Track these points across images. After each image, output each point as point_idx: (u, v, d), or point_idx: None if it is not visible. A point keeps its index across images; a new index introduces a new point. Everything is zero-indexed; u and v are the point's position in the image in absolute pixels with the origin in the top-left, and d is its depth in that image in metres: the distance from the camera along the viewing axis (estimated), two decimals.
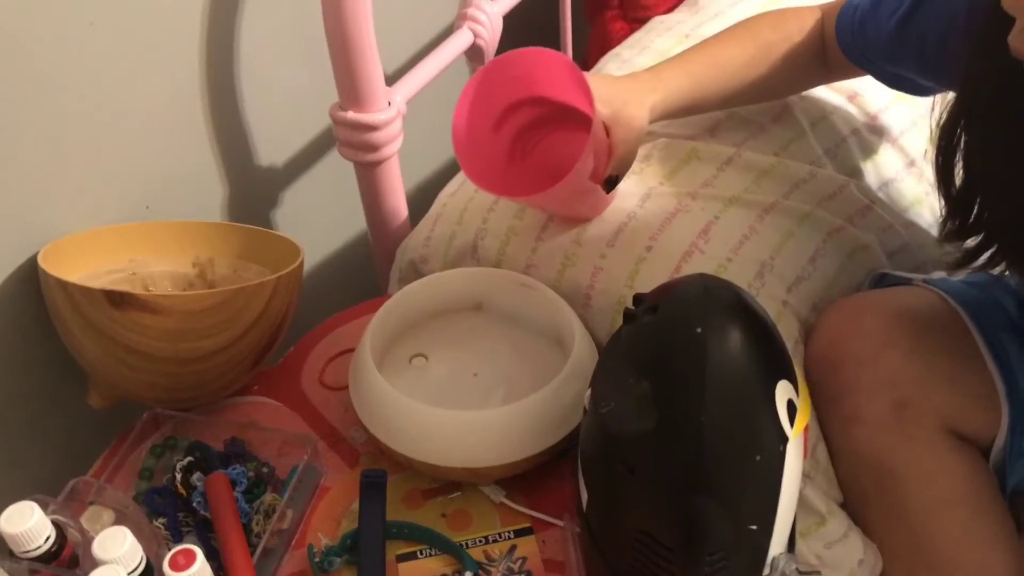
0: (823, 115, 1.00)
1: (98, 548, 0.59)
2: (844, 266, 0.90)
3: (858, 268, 0.90)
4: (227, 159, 0.98)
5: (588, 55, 1.38)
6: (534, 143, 0.88)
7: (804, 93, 1.01)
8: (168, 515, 0.73)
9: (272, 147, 1.04)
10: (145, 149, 0.88)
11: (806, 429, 0.60)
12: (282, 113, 1.03)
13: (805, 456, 0.60)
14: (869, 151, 1.00)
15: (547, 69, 0.79)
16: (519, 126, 0.86)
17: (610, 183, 0.81)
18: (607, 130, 0.79)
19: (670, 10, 1.21)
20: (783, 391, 0.57)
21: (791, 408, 0.57)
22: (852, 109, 1.02)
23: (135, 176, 0.88)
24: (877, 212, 0.92)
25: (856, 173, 0.98)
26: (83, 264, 0.82)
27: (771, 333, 0.58)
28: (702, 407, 0.54)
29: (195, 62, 0.90)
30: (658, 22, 1.15)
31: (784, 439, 0.57)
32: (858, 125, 1.01)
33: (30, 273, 0.78)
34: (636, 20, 1.29)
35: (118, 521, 0.71)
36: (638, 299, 0.61)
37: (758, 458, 0.56)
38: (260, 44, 0.96)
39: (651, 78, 0.84)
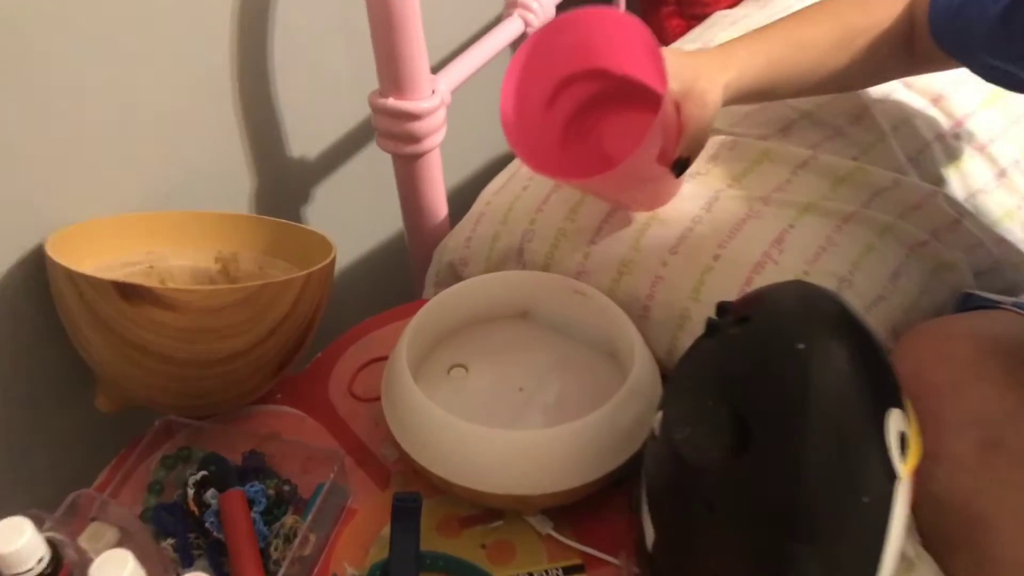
0: (905, 118, 0.92)
1: (96, 573, 0.52)
2: (927, 285, 0.81)
3: (942, 288, 0.82)
4: (256, 148, 0.91)
5: None
6: (589, 125, 0.79)
7: (883, 95, 0.93)
8: (177, 535, 0.65)
9: (305, 137, 0.97)
10: (168, 133, 0.81)
11: (916, 468, 0.51)
12: (317, 101, 0.96)
13: (913, 499, 0.52)
14: (954, 159, 0.92)
15: (609, 36, 0.71)
16: (574, 104, 0.77)
17: (680, 166, 0.72)
18: (676, 106, 0.71)
19: (731, 6, 1.14)
20: (895, 422, 0.48)
21: (902, 442, 0.49)
22: (936, 113, 0.93)
23: (156, 162, 0.81)
24: (966, 227, 0.84)
25: (940, 183, 0.90)
26: (96, 255, 0.75)
27: (881, 353, 0.50)
28: (803, 437, 0.46)
29: (225, 44, 0.84)
30: (722, 16, 1.07)
31: (894, 478, 0.48)
32: (942, 130, 0.92)
33: (36, 262, 0.71)
34: (693, 17, 1.22)
35: (122, 541, 0.63)
36: (723, 308, 0.53)
37: (865, 500, 0.47)
38: (295, 25, 0.90)
39: (724, 55, 0.76)
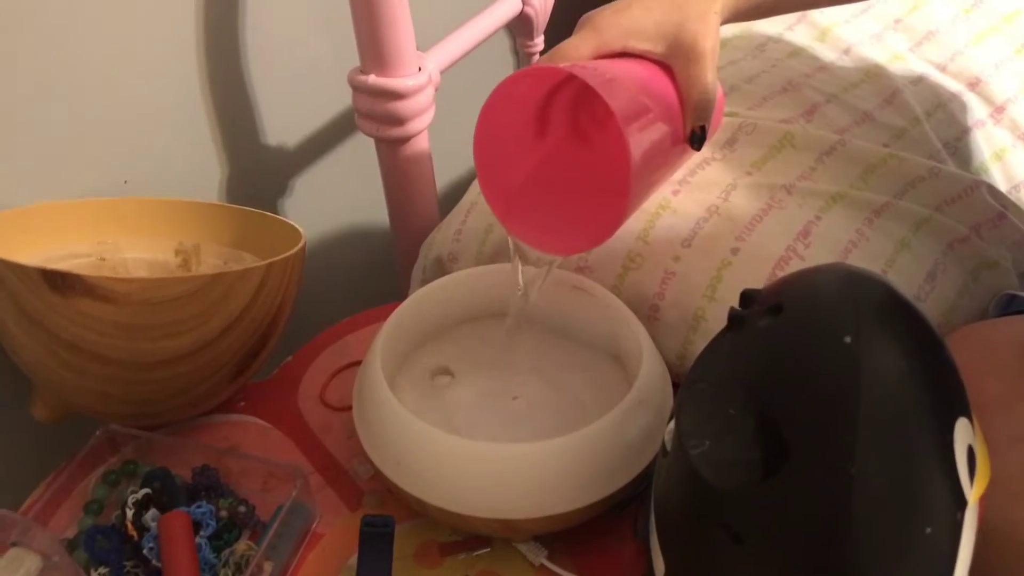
0: (939, 103, 0.84)
1: None
2: (967, 286, 0.73)
3: (983, 290, 0.74)
4: (227, 134, 0.83)
5: None
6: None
7: (916, 78, 0.85)
8: (111, 563, 0.56)
9: (283, 124, 0.88)
10: (128, 113, 0.73)
11: (984, 493, 0.42)
12: (297, 86, 0.88)
13: (979, 528, 0.43)
14: (994, 148, 0.84)
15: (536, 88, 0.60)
16: (570, 102, 0.64)
17: (697, 139, 0.61)
18: (669, 70, 0.61)
19: None
20: (962, 434, 0.39)
21: (971, 459, 0.40)
22: (973, 98, 0.85)
23: (112, 143, 0.73)
24: (1011, 222, 0.75)
25: (979, 173, 0.82)
26: (37, 244, 0.67)
27: (943, 349, 0.41)
28: (852, 452, 0.37)
29: (192, 19, 0.76)
30: None
31: (963, 504, 0.39)
32: (981, 116, 0.84)
33: None
34: None
35: (44, 570, 0.55)
36: (749, 296, 0.44)
37: (928, 531, 0.38)
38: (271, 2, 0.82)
39: None
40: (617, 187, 0.55)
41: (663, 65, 0.60)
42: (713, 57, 0.60)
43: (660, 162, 0.59)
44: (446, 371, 0.68)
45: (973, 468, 0.40)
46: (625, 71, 0.58)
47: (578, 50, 0.60)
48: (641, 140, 0.54)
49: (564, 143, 0.64)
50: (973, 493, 0.40)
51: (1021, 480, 0.56)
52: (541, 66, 0.57)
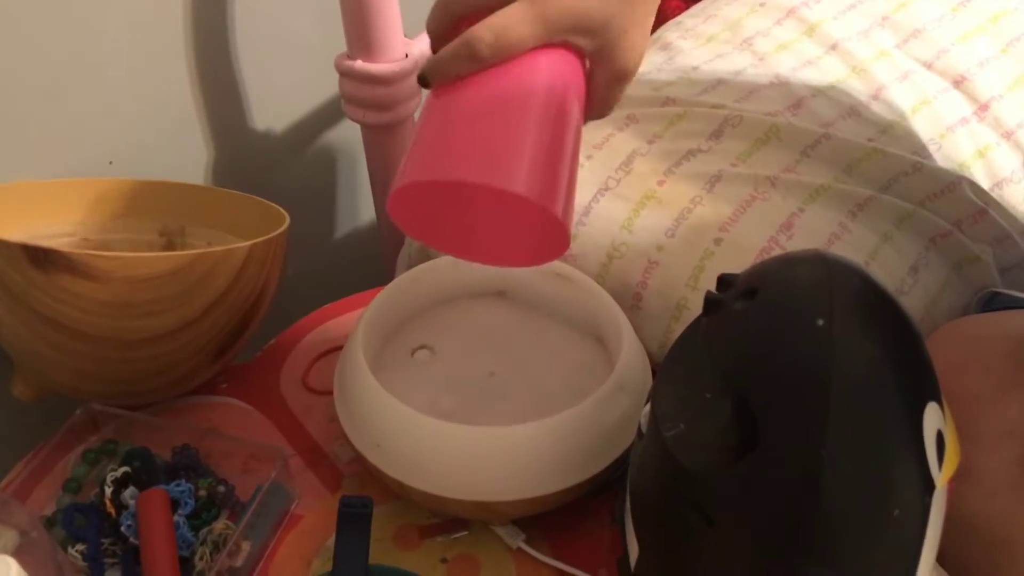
0: (924, 100, 0.84)
1: None
2: (949, 281, 0.74)
3: (965, 285, 0.75)
4: (214, 117, 0.83)
5: None
6: None
7: (901, 74, 0.85)
8: (89, 540, 0.56)
9: (270, 108, 0.88)
10: (114, 93, 0.73)
11: (952, 477, 0.43)
12: (286, 70, 0.88)
13: (946, 513, 0.43)
14: (978, 145, 0.84)
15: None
16: None
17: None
18: (588, 60, 0.52)
19: None
20: (932, 418, 0.40)
21: (940, 443, 0.41)
22: (958, 95, 0.85)
23: (98, 123, 0.73)
24: (992, 218, 0.76)
25: (962, 170, 0.82)
26: (20, 222, 0.67)
27: (916, 335, 0.41)
28: (823, 435, 0.37)
29: (180, 2, 0.76)
30: None
31: (931, 488, 0.40)
32: (966, 114, 0.84)
33: None
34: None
35: (22, 546, 0.55)
36: (726, 280, 0.45)
37: (896, 513, 0.39)
38: None
39: None
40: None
41: (573, 48, 0.51)
42: (637, 65, 0.52)
43: (575, 163, 0.52)
44: (426, 347, 0.68)
45: (942, 452, 0.41)
46: (546, 94, 0.49)
47: (524, 44, 0.49)
48: (568, 191, 0.50)
49: None
50: (941, 477, 0.40)
51: (1003, 475, 0.57)
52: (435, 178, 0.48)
